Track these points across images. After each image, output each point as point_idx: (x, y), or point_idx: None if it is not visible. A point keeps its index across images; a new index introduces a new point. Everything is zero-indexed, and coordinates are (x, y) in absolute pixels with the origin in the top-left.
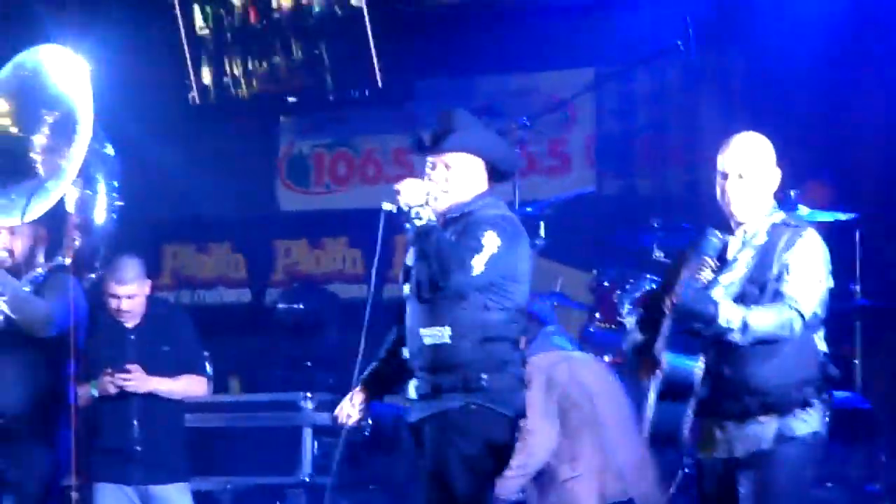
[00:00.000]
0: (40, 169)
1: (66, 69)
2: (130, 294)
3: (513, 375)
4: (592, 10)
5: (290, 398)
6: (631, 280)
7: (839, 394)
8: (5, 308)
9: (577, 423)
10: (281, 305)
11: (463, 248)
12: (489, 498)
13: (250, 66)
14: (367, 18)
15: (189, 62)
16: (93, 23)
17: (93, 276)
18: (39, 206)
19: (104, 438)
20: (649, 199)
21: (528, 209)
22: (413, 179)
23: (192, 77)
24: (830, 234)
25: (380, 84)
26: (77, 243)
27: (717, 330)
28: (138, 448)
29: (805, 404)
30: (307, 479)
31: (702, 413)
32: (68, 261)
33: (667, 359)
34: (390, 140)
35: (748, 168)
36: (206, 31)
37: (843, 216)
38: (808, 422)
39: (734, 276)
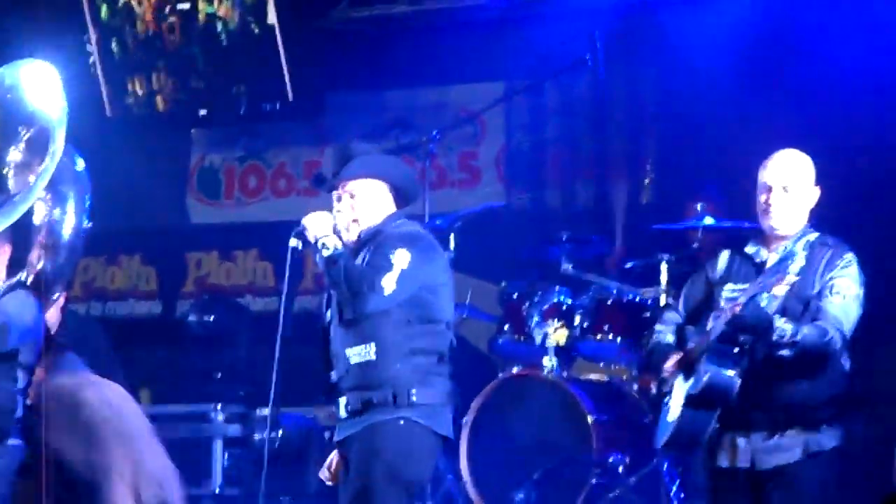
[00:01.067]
0: (11, 184)
1: (43, 85)
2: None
3: (441, 390)
4: (502, 24)
5: (201, 410)
6: (539, 292)
7: None
8: None
9: (108, 437)
10: (192, 317)
11: (372, 270)
12: None
13: (162, 80)
14: (278, 32)
15: (101, 75)
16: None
17: (54, 297)
18: (4, 221)
19: None
20: (558, 211)
21: (438, 222)
22: (317, 212)
23: (103, 89)
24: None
25: (291, 97)
26: (41, 263)
27: (767, 344)
28: None
29: (831, 420)
30: (217, 491)
31: (727, 422)
32: (30, 279)
33: (708, 368)
34: (301, 153)
35: (793, 182)
36: (117, 45)
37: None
38: (833, 437)
39: (777, 291)
